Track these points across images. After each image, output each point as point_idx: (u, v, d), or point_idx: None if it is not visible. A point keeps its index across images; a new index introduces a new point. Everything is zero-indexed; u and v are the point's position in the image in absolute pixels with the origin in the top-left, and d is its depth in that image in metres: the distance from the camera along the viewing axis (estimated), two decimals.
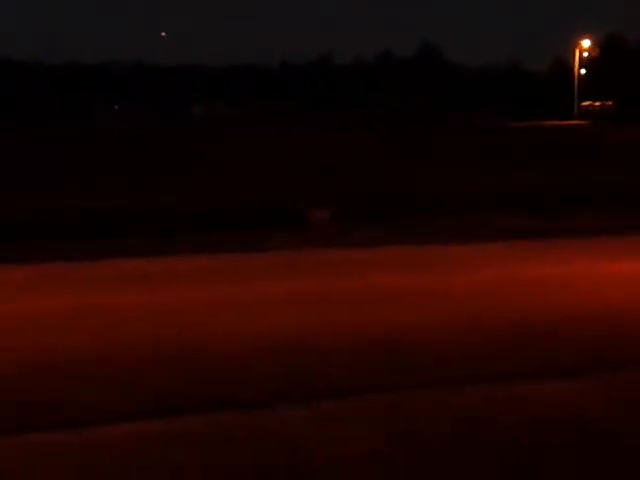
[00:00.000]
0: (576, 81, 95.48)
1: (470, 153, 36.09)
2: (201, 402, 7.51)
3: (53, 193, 21.33)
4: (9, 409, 7.45)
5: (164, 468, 6.16)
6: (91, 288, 12.20)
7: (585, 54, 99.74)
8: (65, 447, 6.51)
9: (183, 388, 7.90)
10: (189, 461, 6.23)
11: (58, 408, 7.39)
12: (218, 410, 7.29)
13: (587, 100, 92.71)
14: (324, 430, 6.78)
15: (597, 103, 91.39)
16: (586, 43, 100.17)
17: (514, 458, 6.28)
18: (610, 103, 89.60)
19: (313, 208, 18.06)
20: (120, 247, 15.43)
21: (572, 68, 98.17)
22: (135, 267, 13.79)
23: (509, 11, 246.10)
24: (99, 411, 7.31)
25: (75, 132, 59.08)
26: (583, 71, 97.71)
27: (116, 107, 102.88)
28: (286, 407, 7.33)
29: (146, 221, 17.62)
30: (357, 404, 7.44)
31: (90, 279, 12.93)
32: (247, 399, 7.58)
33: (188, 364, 8.62)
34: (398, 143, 42.98)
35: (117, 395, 7.71)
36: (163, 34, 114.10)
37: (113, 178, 25.75)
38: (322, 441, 6.54)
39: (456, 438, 6.62)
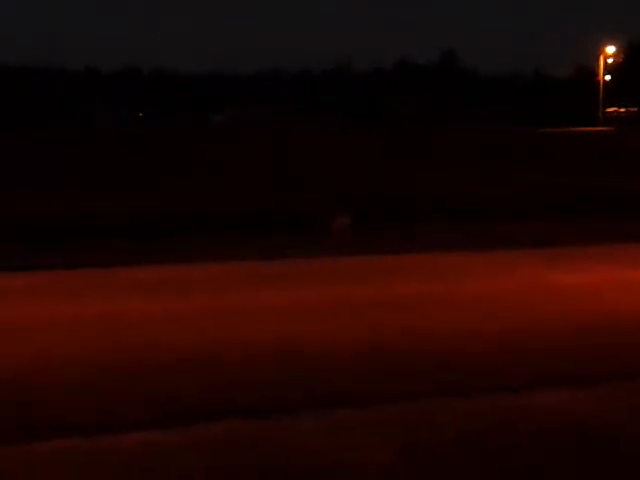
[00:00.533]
0: (601, 87, 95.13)
1: (495, 156, 35.88)
2: (205, 408, 7.49)
3: (52, 194, 21.28)
4: (10, 412, 7.46)
5: (167, 471, 6.15)
6: (96, 295, 12.09)
7: (609, 60, 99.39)
8: (66, 451, 6.50)
9: (187, 394, 7.86)
10: (193, 465, 6.22)
11: (61, 413, 7.38)
12: (221, 416, 7.23)
13: (612, 106, 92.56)
14: (329, 438, 6.74)
15: (622, 109, 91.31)
16: (610, 49, 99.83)
17: (516, 465, 6.24)
18: (634, 109, 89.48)
19: (336, 214, 18.12)
20: (122, 253, 15.37)
21: (595, 74, 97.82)
22: (140, 274, 13.68)
23: (508, 10, 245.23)
24: (103, 417, 7.30)
25: (75, 132, 59.31)
26: (608, 77, 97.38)
27: (140, 114, 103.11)
28: (291, 416, 7.28)
29: (156, 225, 17.63)
30: (364, 413, 7.39)
31: (95, 286, 12.80)
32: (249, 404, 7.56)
33: (211, 370, 8.58)
34: (405, 146, 42.79)
35: (119, 401, 7.69)
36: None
37: (114, 179, 25.65)
38: (327, 449, 6.50)
39: (460, 446, 6.55)
